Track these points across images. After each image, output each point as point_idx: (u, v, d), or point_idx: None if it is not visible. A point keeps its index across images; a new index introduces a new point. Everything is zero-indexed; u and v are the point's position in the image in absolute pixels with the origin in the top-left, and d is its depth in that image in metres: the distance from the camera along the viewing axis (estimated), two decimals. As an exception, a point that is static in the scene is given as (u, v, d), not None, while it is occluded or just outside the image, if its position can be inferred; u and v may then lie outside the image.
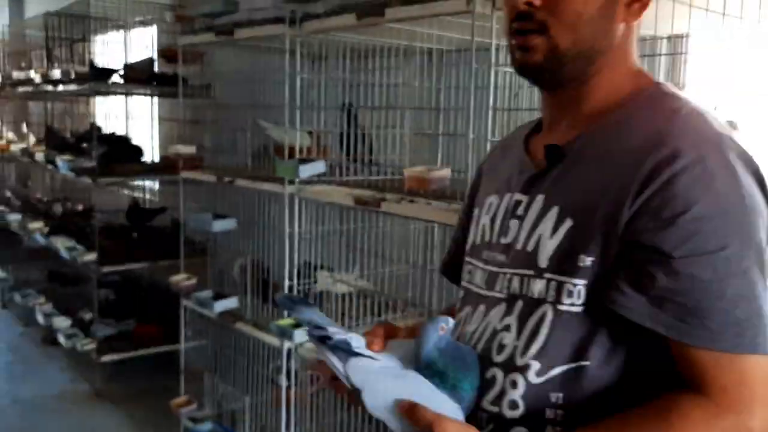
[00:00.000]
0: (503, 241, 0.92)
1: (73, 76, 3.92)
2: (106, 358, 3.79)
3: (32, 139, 5.21)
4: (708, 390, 0.75)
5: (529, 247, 0.87)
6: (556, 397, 0.82)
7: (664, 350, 0.78)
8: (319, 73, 2.68)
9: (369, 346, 0.89)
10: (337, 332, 0.87)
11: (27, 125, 5.56)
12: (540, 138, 0.96)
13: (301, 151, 2.45)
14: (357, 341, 0.88)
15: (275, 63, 2.66)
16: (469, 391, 0.85)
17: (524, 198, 0.91)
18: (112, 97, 4.88)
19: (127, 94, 4.58)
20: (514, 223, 0.91)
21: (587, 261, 0.81)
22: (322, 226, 2.58)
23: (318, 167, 2.38)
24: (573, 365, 0.82)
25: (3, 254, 5.73)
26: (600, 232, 0.80)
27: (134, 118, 4.74)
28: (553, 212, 0.86)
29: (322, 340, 0.85)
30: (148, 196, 4.77)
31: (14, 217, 5.00)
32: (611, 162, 0.82)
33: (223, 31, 2.75)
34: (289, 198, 2.46)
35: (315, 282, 2.48)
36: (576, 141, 0.88)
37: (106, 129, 4.63)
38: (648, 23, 1.85)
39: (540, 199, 0.88)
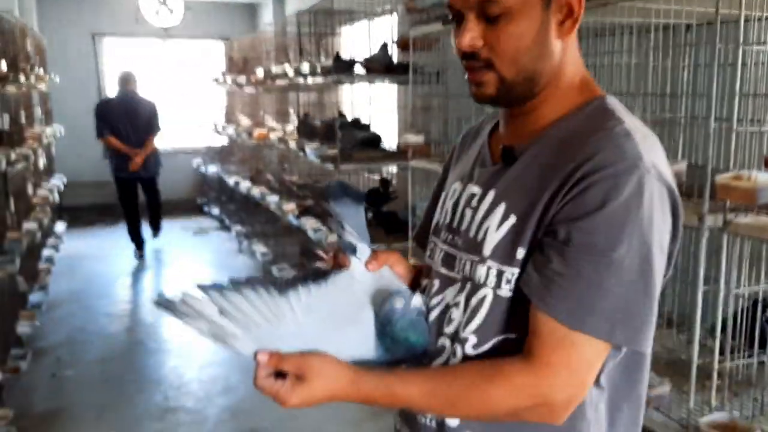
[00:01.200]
0: (460, 227, 1.05)
1: (318, 69, 4.21)
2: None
3: (288, 127, 5.73)
4: (540, 359, 0.89)
5: (479, 237, 1.00)
6: None
7: None
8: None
9: (367, 263, 1.04)
10: (351, 235, 1.02)
11: (283, 114, 6.13)
12: (498, 137, 1.08)
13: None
14: (363, 252, 1.03)
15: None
16: (407, 341, 0.95)
17: (479, 191, 1.04)
18: (357, 85, 5.18)
19: (369, 82, 4.83)
20: (468, 212, 1.04)
21: (522, 252, 0.94)
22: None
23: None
24: (501, 337, 0.97)
25: (265, 229, 6.44)
26: (534, 227, 0.93)
27: (376, 106, 4.99)
28: (501, 208, 0.98)
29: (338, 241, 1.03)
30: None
31: (273, 199, 5.57)
32: (552, 170, 0.93)
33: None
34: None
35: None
36: (528, 147, 0.99)
37: (352, 116, 4.94)
38: None
39: (491, 194, 1.01)
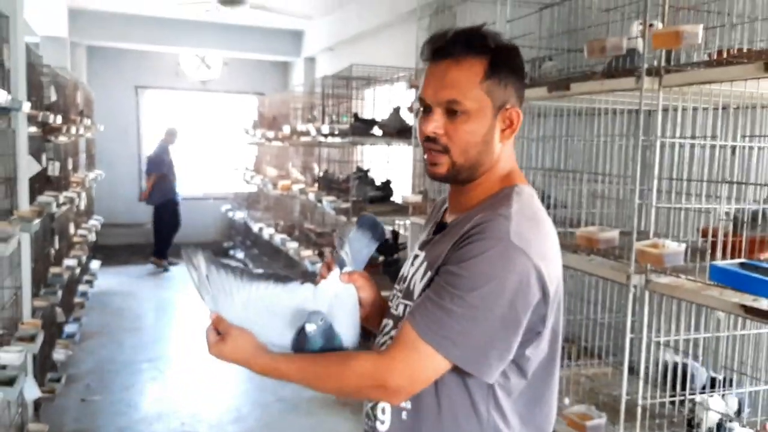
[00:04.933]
0: (406, 279, 1.36)
1: (336, 131, 4.65)
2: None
3: (310, 180, 6.17)
4: (387, 353, 1.20)
5: (410, 287, 1.33)
6: None
7: None
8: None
9: (342, 274, 1.33)
10: (347, 255, 1.33)
11: (308, 168, 6.59)
12: (446, 212, 1.39)
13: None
14: (347, 269, 1.33)
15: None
16: (312, 346, 1.24)
17: (420, 254, 1.35)
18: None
19: (384, 144, 5.26)
20: (411, 270, 1.36)
21: None
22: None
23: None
24: None
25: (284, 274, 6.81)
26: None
27: (393, 164, 5.42)
28: (424, 266, 1.29)
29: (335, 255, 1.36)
30: (401, 231, 5.39)
31: (292, 245, 5.97)
32: (457, 238, 1.23)
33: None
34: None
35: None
36: (455, 221, 1.30)
37: (370, 173, 5.35)
38: None
39: (422, 256, 1.33)
